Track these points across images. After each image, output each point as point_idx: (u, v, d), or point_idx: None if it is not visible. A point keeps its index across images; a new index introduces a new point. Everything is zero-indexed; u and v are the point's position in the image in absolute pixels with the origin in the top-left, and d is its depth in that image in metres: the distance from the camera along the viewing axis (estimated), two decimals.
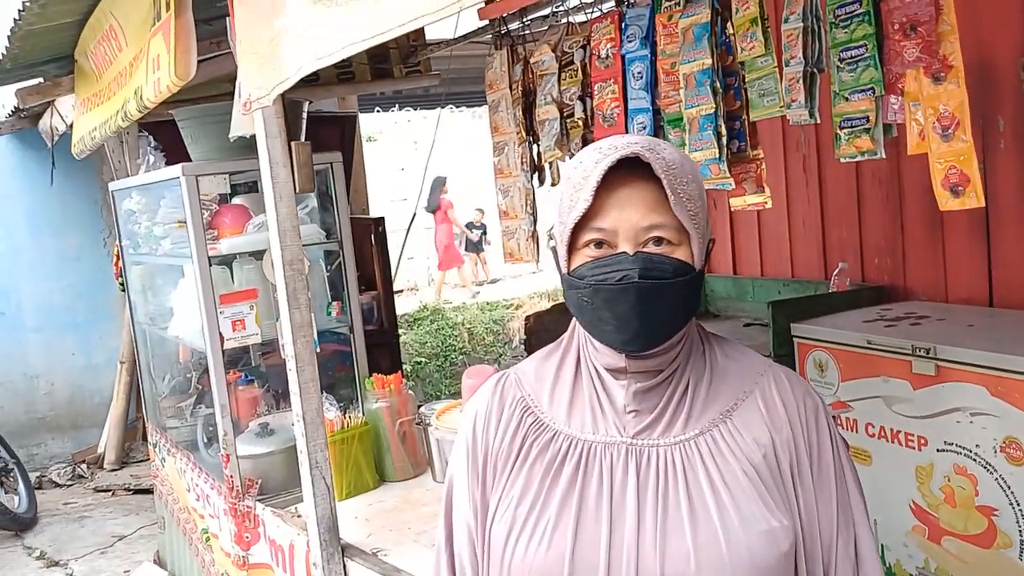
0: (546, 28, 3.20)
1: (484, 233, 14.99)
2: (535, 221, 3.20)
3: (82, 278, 7.00)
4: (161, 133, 3.98)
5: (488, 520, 1.23)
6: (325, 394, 2.93)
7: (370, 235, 5.41)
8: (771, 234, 4.35)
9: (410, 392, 3.02)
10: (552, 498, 1.16)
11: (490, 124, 3.24)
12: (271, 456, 3.09)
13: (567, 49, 2.90)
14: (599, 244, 1.13)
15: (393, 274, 6.31)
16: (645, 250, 1.12)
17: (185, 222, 2.95)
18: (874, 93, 1.96)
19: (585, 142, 2.94)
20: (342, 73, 4.73)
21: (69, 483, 6.54)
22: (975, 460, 2.66)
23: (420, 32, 4.74)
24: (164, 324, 3.68)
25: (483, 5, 3.14)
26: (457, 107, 14.25)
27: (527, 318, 5.59)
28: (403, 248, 8.00)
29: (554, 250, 1.22)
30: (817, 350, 3.19)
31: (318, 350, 2.88)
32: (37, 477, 6.45)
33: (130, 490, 6.20)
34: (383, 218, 5.50)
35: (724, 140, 2.33)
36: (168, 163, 3.66)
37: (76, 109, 4.00)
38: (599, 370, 1.21)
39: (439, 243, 14.21)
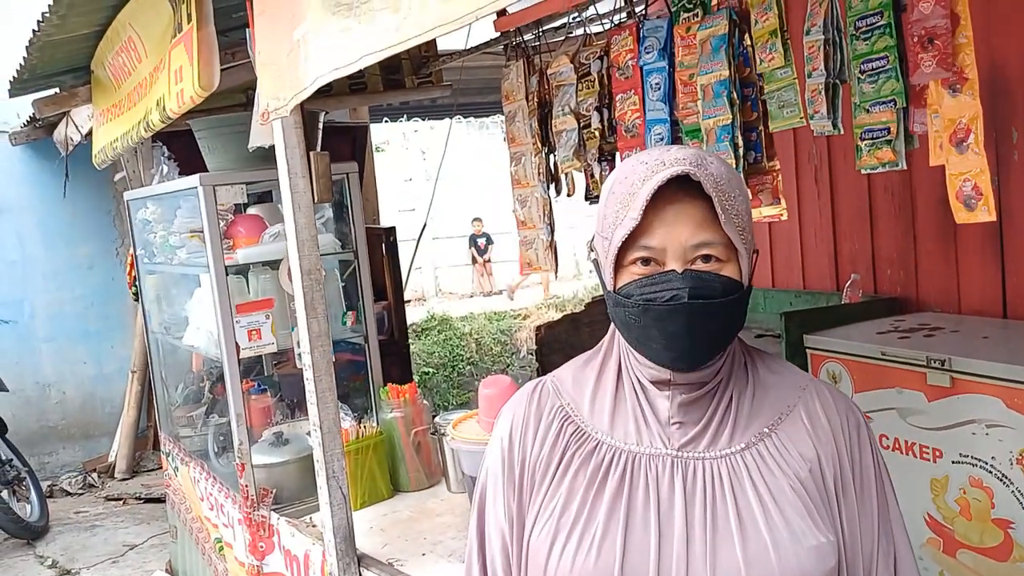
0: (561, 40, 3.22)
1: (489, 242, 15.02)
2: (552, 231, 3.21)
3: (94, 288, 7.03)
4: (174, 144, 4.02)
5: (526, 529, 1.22)
6: (341, 405, 2.94)
7: (381, 245, 5.43)
8: (783, 245, 4.35)
9: (424, 402, 3.03)
10: (598, 508, 1.15)
11: (506, 135, 3.25)
12: (286, 465, 3.10)
13: (584, 60, 2.92)
14: (646, 261, 1.12)
15: (404, 284, 6.33)
16: (694, 268, 1.11)
17: (201, 232, 2.96)
18: (895, 105, 1.97)
19: (602, 153, 2.95)
20: (354, 84, 4.74)
21: (80, 492, 6.56)
22: (991, 472, 2.65)
23: (432, 43, 4.76)
24: (179, 333, 3.70)
25: (496, 16, 3.17)
26: (465, 118, 14.31)
27: (538, 329, 5.60)
28: (413, 258, 8.02)
29: (596, 263, 1.22)
30: (830, 361, 3.19)
31: (333, 359, 2.90)
32: (48, 486, 6.47)
33: (141, 499, 6.22)
34: (394, 228, 5.53)
35: (741, 151, 2.34)
36: (182, 174, 3.69)
37: (95, 119, 4.03)
38: (642, 381, 1.21)
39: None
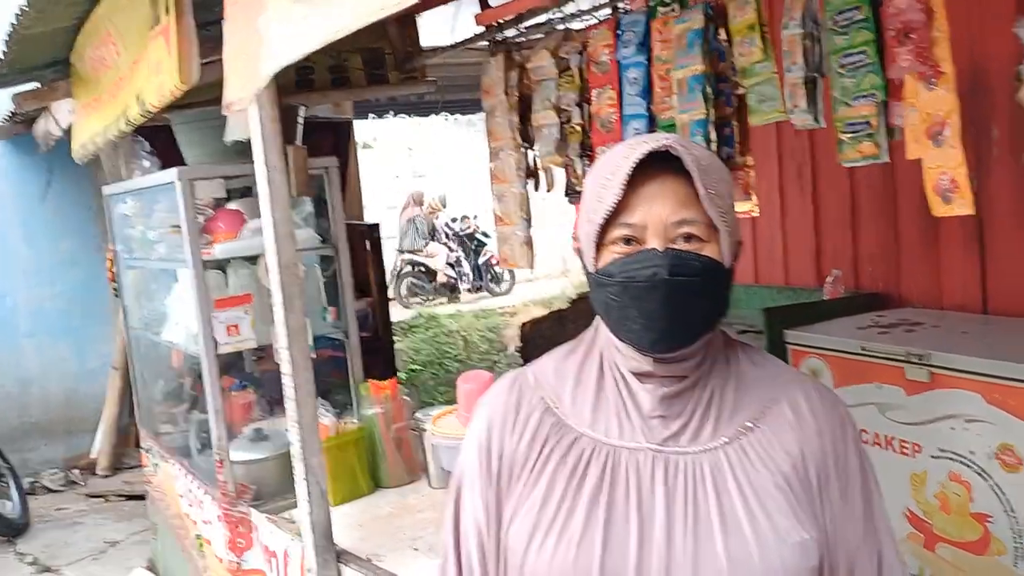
0: (542, 35, 3.21)
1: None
2: (530, 226, 3.20)
3: (76, 283, 6.98)
4: (156, 138, 3.98)
5: (504, 524, 1.21)
6: (320, 400, 2.92)
7: (365, 241, 5.42)
8: (765, 241, 4.36)
9: (405, 398, 3.02)
10: (579, 502, 1.14)
11: (486, 130, 3.24)
12: (265, 462, 3.07)
13: (564, 54, 2.90)
14: (627, 241, 1.12)
15: (388, 281, 6.32)
16: (674, 246, 1.10)
17: (179, 226, 2.94)
18: (875, 99, 1.97)
19: (583, 148, 2.95)
20: (337, 78, 4.71)
21: (62, 488, 6.51)
22: (969, 467, 2.66)
23: (416, 38, 4.73)
24: (158, 329, 3.67)
25: (480, 9, 3.15)
26: (452, 114, 14.28)
27: (523, 325, 5.61)
28: (398, 257, 8.00)
29: (579, 252, 1.21)
30: (811, 356, 3.19)
31: (314, 355, 2.88)
32: (30, 483, 6.42)
33: (123, 496, 6.18)
34: (378, 224, 5.52)
35: (714, 147, 2.33)
36: (162, 168, 3.65)
37: (75, 113, 3.99)
38: (624, 374, 1.19)
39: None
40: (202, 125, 3.03)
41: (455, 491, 1.29)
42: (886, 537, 1.20)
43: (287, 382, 2.34)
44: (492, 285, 13.84)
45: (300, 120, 3.08)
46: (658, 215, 1.10)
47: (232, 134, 2.39)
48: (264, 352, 3.42)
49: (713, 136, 2.34)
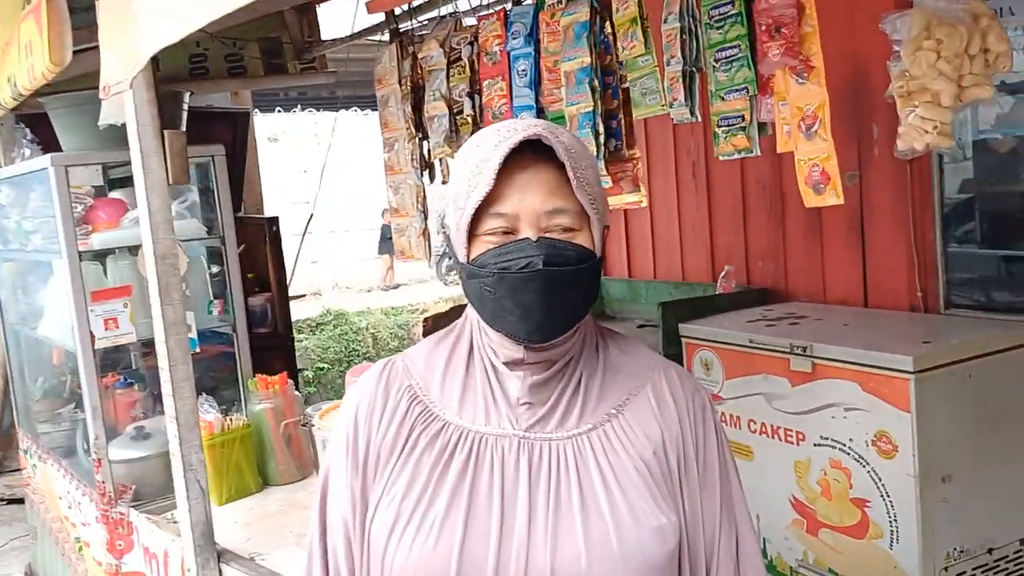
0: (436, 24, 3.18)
1: None
2: (426, 218, 3.16)
3: None
4: (39, 126, 3.79)
5: (368, 515, 1.18)
6: (206, 396, 2.83)
7: (264, 235, 5.27)
8: (663, 238, 4.44)
9: (296, 393, 2.95)
10: (441, 491, 1.12)
11: (380, 120, 3.19)
12: (147, 460, 2.97)
13: (455, 45, 2.88)
14: (499, 231, 1.11)
15: (289, 276, 6.17)
16: (547, 236, 1.10)
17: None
18: (748, 92, 2.02)
19: None
20: (233, 68, 4.59)
21: None
22: (848, 454, 2.75)
23: (315, 28, 4.64)
24: (35, 324, 3.50)
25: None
26: (362, 109, 14.11)
27: (425, 320, 5.54)
28: (299, 251, 7.84)
29: (447, 238, 1.18)
30: (704, 349, 3.26)
31: (197, 350, 2.79)
32: None
33: (4, 500, 5.88)
34: (277, 218, 5.37)
35: (602, 139, 2.35)
36: None
37: None
38: (493, 361, 1.18)
39: None
40: (79, 110, 2.89)
41: (322, 485, 1.26)
42: (744, 521, 1.21)
43: (164, 376, 2.26)
44: None
45: (185, 106, 2.97)
46: (530, 204, 1.09)
47: (107, 118, 2.29)
48: (150, 348, 3.29)
49: (601, 128, 2.35)
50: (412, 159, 3.12)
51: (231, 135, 5.54)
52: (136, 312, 2.87)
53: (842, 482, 2.80)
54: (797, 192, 3.57)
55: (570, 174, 1.09)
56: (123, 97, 2.14)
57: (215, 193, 3.02)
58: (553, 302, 1.09)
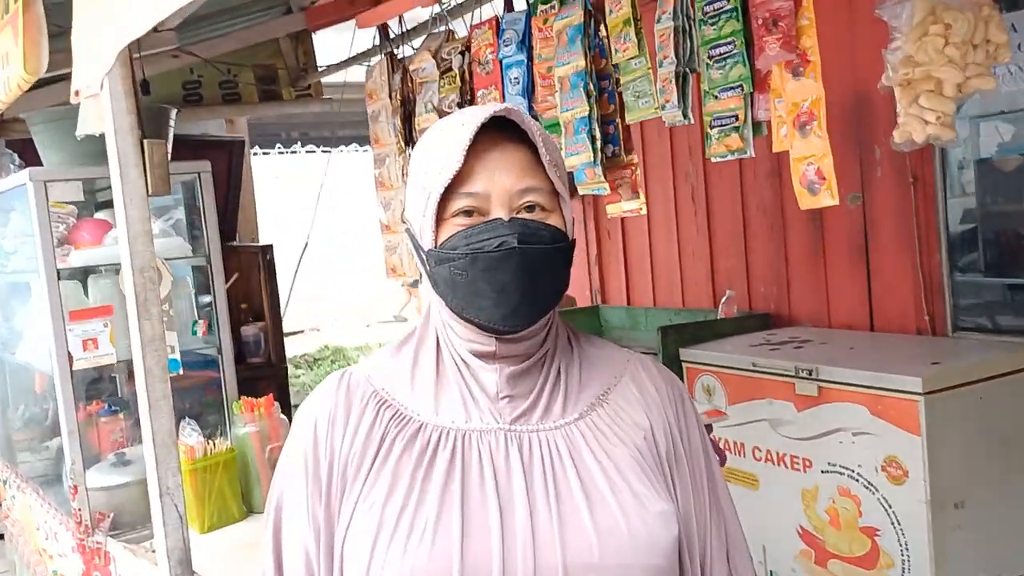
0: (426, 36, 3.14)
1: None
2: None
3: None
4: (27, 152, 3.75)
5: (339, 536, 1.08)
6: (188, 419, 2.74)
7: (258, 263, 5.21)
8: (662, 264, 4.38)
9: (282, 416, 2.85)
10: (428, 492, 1.04)
11: (371, 136, 3.13)
12: (127, 487, 2.86)
13: (446, 56, 2.83)
14: (469, 213, 1.06)
15: (283, 307, 6.09)
16: (519, 216, 1.05)
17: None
18: (742, 90, 1.96)
19: None
20: (227, 94, 4.56)
21: None
22: (857, 480, 2.66)
23: (310, 55, 4.63)
24: (15, 348, 3.40)
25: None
26: (361, 146, 14.16)
27: None
28: (293, 281, 7.76)
29: (410, 234, 1.13)
30: (705, 374, 3.18)
31: (180, 372, 2.70)
32: None
33: None
34: (271, 246, 5.30)
35: (598, 144, 2.29)
36: None
37: None
38: (464, 357, 1.12)
39: None
40: (59, 126, 2.82)
41: (274, 513, 1.15)
42: (730, 513, 1.20)
43: (141, 396, 2.16)
44: None
45: (172, 123, 2.90)
46: (502, 184, 1.05)
47: (85, 128, 2.22)
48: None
49: (598, 133, 2.29)
50: (403, 174, 3.06)
51: (226, 163, 5.51)
52: (118, 333, 2.77)
53: (851, 510, 2.70)
54: (798, 216, 3.56)
55: (541, 152, 1.06)
56: (101, 106, 2.08)
57: (201, 210, 2.94)
58: (528, 284, 1.05)
